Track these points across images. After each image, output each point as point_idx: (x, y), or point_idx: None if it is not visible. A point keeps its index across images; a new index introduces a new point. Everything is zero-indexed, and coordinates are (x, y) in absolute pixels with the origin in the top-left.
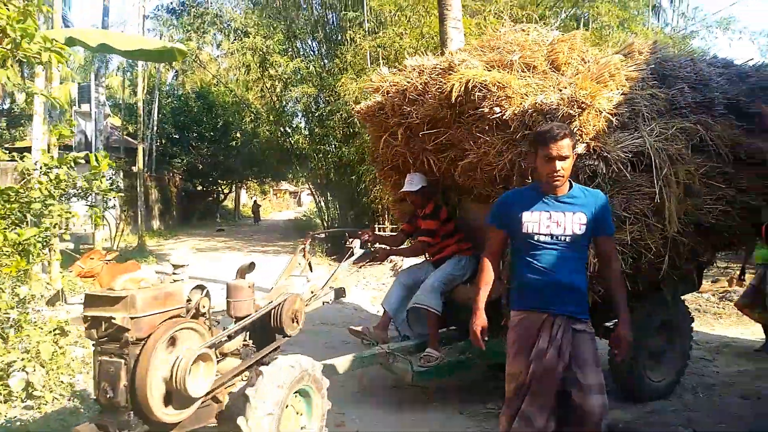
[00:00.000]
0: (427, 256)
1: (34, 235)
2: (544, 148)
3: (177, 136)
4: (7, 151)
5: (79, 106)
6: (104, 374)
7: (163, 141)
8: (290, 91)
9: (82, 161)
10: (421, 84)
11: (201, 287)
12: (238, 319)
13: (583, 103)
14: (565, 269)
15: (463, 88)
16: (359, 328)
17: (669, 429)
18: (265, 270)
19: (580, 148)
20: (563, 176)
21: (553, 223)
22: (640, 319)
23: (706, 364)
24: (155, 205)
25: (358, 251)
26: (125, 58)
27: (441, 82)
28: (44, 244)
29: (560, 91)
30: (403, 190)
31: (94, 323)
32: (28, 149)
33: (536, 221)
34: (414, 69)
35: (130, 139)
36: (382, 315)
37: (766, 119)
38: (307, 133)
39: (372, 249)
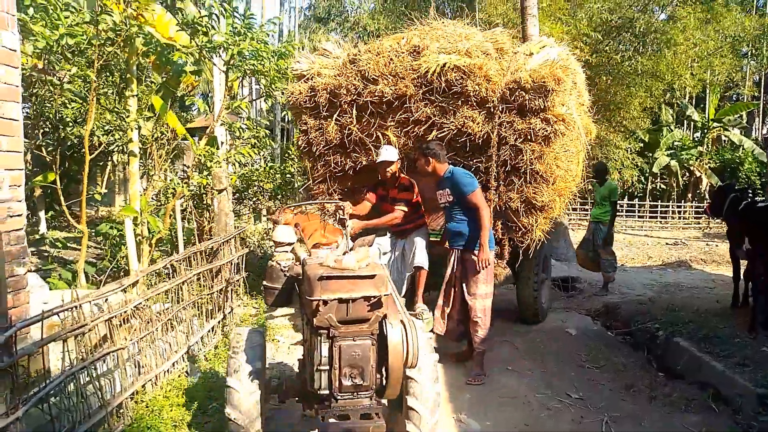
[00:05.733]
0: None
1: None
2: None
3: None
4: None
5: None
6: (348, 358)
7: None
8: None
9: None
10: (382, 64)
11: None
12: None
13: (560, 78)
14: (453, 220)
15: (438, 69)
16: None
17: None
18: None
19: (563, 109)
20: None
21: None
22: (538, 257)
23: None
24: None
25: (349, 222)
26: None
27: (411, 62)
28: None
29: (520, 71)
30: (382, 159)
31: (335, 304)
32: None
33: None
34: (344, 53)
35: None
36: None
37: None
38: None
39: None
